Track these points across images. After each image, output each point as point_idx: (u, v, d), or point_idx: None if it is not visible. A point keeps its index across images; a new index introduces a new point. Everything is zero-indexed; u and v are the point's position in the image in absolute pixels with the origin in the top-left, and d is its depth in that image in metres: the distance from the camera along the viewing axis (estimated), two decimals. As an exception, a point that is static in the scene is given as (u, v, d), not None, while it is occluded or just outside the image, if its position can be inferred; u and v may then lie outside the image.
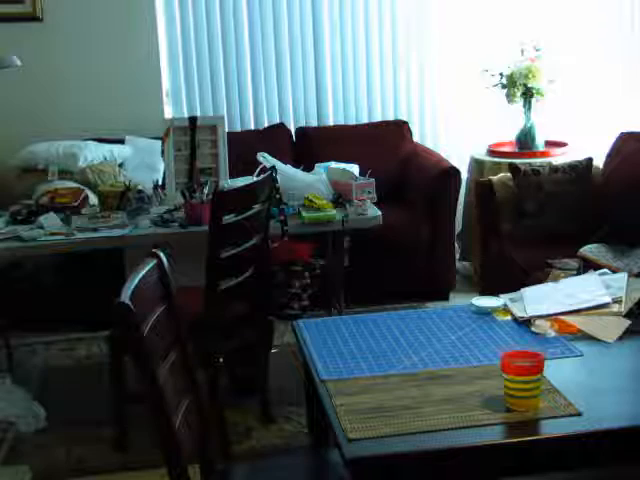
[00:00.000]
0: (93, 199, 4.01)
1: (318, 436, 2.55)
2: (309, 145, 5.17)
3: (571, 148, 5.11)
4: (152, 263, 2.25)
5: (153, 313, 2.17)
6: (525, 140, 5.11)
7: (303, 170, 4.23)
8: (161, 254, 2.27)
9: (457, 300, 4.71)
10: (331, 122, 5.46)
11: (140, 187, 3.94)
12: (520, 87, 4.96)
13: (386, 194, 4.52)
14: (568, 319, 2.53)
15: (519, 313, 2.60)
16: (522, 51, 5.04)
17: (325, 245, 4.06)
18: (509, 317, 2.62)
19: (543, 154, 5.01)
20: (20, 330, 4.45)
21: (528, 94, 5.00)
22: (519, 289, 2.77)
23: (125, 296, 1.97)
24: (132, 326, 1.97)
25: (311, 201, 3.78)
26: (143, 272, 2.18)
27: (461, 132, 5.51)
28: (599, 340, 2.43)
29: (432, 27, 5.41)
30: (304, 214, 3.72)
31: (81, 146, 4.70)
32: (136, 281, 2.10)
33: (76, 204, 3.84)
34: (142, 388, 2.01)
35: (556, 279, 3.03)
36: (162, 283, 2.27)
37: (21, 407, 3.60)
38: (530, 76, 4.92)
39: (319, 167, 4.30)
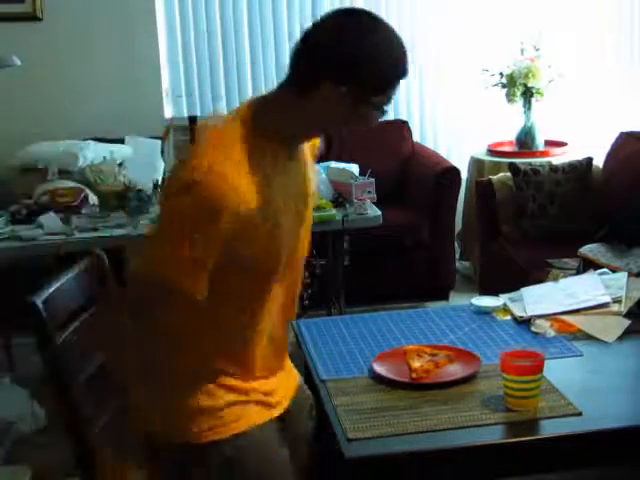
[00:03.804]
0: (93, 199, 4.01)
1: (317, 436, 2.55)
2: (309, 145, 5.17)
3: (571, 148, 5.11)
4: (89, 263, 2.23)
5: (81, 313, 2.14)
6: (525, 140, 5.11)
7: (303, 170, 4.23)
8: (101, 254, 2.26)
9: (457, 300, 4.70)
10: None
11: (140, 187, 3.94)
12: (520, 87, 4.96)
13: (386, 194, 4.52)
14: (568, 319, 2.53)
15: (519, 313, 2.60)
16: (522, 51, 5.04)
17: (325, 245, 4.06)
18: (509, 317, 2.62)
19: (543, 154, 5.01)
20: (20, 330, 4.45)
21: (528, 94, 5.00)
22: (519, 289, 2.77)
23: (39, 296, 1.96)
24: (39, 326, 1.95)
25: (311, 201, 3.77)
26: (70, 275, 2.15)
27: (461, 132, 5.51)
28: (599, 340, 2.43)
29: (432, 27, 5.41)
30: (304, 214, 3.72)
31: (81, 146, 4.69)
32: (57, 284, 2.07)
33: (76, 204, 3.84)
34: (54, 390, 2.00)
35: (556, 279, 3.03)
36: (100, 283, 2.25)
37: (21, 407, 3.60)
38: (530, 76, 4.92)
39: (319, 167, 4.30)
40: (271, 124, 1.77)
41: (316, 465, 2.09)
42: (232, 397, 1.88)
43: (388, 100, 1.79)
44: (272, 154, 1.77)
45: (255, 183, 1.71)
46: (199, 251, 1.68)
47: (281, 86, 1.80)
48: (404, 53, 1.79)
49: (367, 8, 5.41)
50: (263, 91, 5.57)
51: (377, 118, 1.83)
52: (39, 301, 1.95)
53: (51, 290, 2.03)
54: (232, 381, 1.89)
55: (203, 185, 1.63)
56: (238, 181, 1.68)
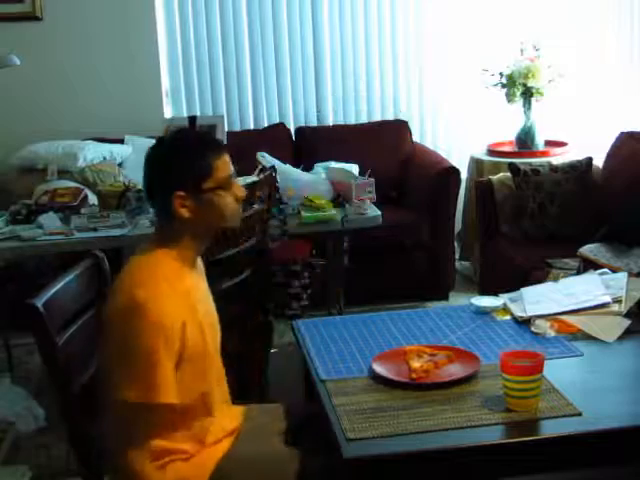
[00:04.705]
0: (92, 199, 4.01)
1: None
2: (309, 145, 5.17)
3: (571, 148, 5.11)
4: (88, 264, 2.23)
5: (80, 315, 2.15)
6: (525, 140, 5.10)
7: (303, 170, 4.23)
8: (100, 255, 2.27)
9: (457, 300, 4.70)
10: (331, 122, 5.46)
11: (139, 187, 3.94)
12: (520, 87, 4.96)
13: (386, 194, 4.52)
14: (568, 319, 2.53)
15: (519, 313, 2.60)
16: (522, 51, 5.04)
17: (325, 245, 4.05)
18: (509, 317, 2.62)
19: (543, 154, 5.01)
20: (20, 330, 4.45)
21: (528, 93, 5.00)
22: (519, 289, 2.77)
23: (40, 298, 1.97)
24: (40, 328, 1.95)
25: (311, 201, 3.77)
26: (74, 273, 2.15)
27: (461, 132, 5.51)
28: (599, 340, 2.43)
29: (432, 27, 5.41)
30: (304, 214, 3.72)
31: (81, 146, 4.70)
32: (62, 283, 2.08)
33: (75, 204, 3.84)
34: (55, 391, 2.01)
35: (556, 279, 3.03)
36: (98, 284, 2.25)
37: (21, 407, 3.60)
38: (530, 76, 4.92)
39: (319, 167, 4.30)
40: (177, 249, 2.04)
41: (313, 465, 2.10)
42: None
43: (224, 179, 2.04)
44: (185, 273, 2.06)
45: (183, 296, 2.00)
46: (167, 367, 1.92)
47: (159, 223, 2.12)
48: (208, 139, 2.11)
49: (368, 9, 5.41)
50: (262, 88, 5.53)
51: (230, 197, 2.07)
52: (40, 303, 1.95)
53: (52, 292, 2.03)
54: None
55: (152, 309, 1.89)
56: (174, 300, 1.95)
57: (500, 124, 5.33)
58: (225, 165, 2.04)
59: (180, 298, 1.98)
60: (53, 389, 2.02)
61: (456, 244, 5.06)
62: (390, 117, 5.47)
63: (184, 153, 2.02)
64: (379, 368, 2.23)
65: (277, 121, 5.37)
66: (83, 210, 3.79)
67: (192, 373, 1.99)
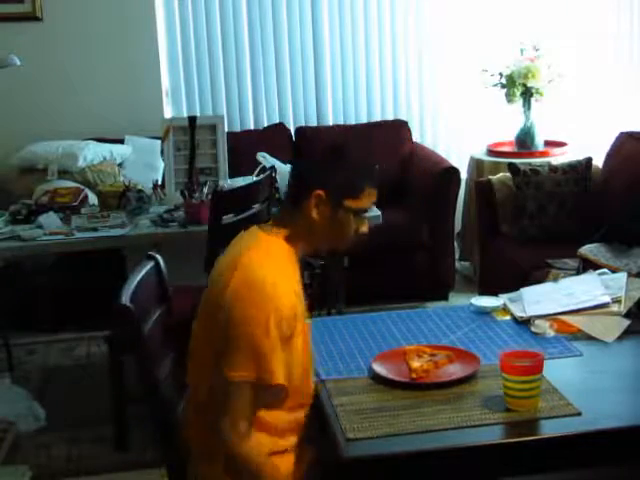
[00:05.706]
0: (93, 199, 4.01)
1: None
2: (309, 145, 5.17)
3: (571, 148, 5.11)
4: (150, 265, 2.27)
5: (152, 313, 2.19)
6: (524, 140, 5.10)
7: (303, 170, 4.23)
8: (158, 256, 2.30)
9: (457, 300, 4.70)
10: (330, 122, 5.46)
11: (140, 187, 3.94)
12: (519, 87, 4.96)
13: (386, 194, 4.50)
14: (568, 319, 2.53)
15: (518, 313, 2.60)
16: (521, 51, 5.04)
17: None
18: (508, 317, 2.62)
19: (542, 154, 5.01)
20: (20, 330, 4.45)
21: (527, 94, 5.00)
22: (519, 289, 2.77)
23: (126, 298, 2.00)
24: (133, 327, 2.00)
25: (311, 201, 3.77)
26: (142, 273, 2.20)
27: (460, 132, 5.51)
28: (599, 340, 2.43)
29: (431, 27, 5.41)
30: (304, 214, 3.72)
31: (81, 146, 4.70)
32: (135, 282, 2.12)
33: (76, 204, 3.84)
34: (144, 388, 2.03)
35: (556, 279, 3.03)
36: (160, 284, 2.29)
37: (21, 407, 3.60)
38: (529, 76, 4.92)
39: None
40: (290, 240, 2.08)
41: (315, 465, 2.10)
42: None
43: (362, 209, 2.11)
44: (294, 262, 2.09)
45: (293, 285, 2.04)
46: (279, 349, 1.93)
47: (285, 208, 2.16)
48: (372, 170, 2.15)
49: (368, 9, 5.38)
50: (262, 88, 5.52)
51: (354, 226, 2.13)
52: (127, 301, 1.99)
53: (132, 290, 2.07)
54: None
55: (273, 295, 1.92)
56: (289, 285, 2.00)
57: (500, 124, 5.33)
58: (371, 198, 2.11)
59: (291, 285, 2.01)
60: (142, 381, 2.06)
61: (456, 244, 5.06)
62: (390, 117, 5.47)
63: (353, 166, 2.12)
64: (379, 368, 2.24)
65: (277, 121, 5.37)
66: (83, 210, 3.79)
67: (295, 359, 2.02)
